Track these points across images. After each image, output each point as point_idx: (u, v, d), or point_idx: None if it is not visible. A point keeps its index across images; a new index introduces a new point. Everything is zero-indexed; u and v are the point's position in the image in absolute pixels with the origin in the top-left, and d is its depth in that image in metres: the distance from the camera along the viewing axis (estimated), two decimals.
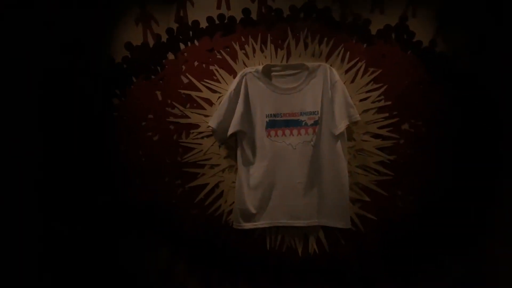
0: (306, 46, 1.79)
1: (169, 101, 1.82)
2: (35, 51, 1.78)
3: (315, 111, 1.76)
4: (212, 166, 1.82)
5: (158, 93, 1.82)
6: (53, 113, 1.84)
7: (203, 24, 1.80)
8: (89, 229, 1.86)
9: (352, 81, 1.79)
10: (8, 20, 1.72)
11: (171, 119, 1.82)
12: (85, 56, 1.84)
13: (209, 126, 1.77)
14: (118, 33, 1.83)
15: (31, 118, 1.81)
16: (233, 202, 1.80)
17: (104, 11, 1.82)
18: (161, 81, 1.82)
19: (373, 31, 1.80)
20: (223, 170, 1.81)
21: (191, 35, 1.81)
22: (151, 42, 1.82)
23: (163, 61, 1.82)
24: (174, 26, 1.81)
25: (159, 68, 1.82)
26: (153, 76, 1.83)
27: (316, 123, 1.76)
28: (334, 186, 1.74)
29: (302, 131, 1.76)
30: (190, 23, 1.80)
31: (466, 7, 1.79)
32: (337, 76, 1.74)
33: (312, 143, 1.76)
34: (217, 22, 1.80)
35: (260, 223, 1.77)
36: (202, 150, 1.81)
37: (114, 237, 1.86)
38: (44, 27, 1.79)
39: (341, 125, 1.71)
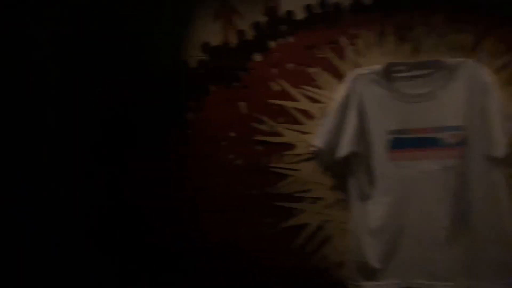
0: (441, 36, 1.40)
1: (255, 115, 1.52)
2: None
3: (459, 126, 1.33)
4: (314, 200, 1.46)
5: (242, 104, 1.54)
6: (110, 130, 1.61)
7: (300, 15, 1.50)
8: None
9: (510, 84, 1.35)
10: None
11: (259, 137, 1.51)
12: (151, 61, 1.60)
13: (312, 146, 1.43)
14: (192, 31, 1.57)
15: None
16: (346, 251, 1.42)
17: (173, 4, 1.57)
18: (245, 89, 1.54)
19: None
20: (329, 206, 1.45)
21: (284, 29, 1.52)
22: (233, 41, 1.56)
23: (248, 63, 1.54)
24: (263, 19, 1.53)
25: (243, 73, 1.54)
26: (235, 84, 1.55)
27: (462, 142, 1.32)
28: (492, 233, 1.28)
29: (442, 153, 1.33)
30: (283, 14, 1.51)
31: None
32: (488, 77, 1.32)
33: (456, 170, 1.32)
34: (318, 11, 1.49)
35: (386, 283, 1.34)
36: (299, 178, 1.47)
37: None
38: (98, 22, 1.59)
39: (503, 145, 1.27)
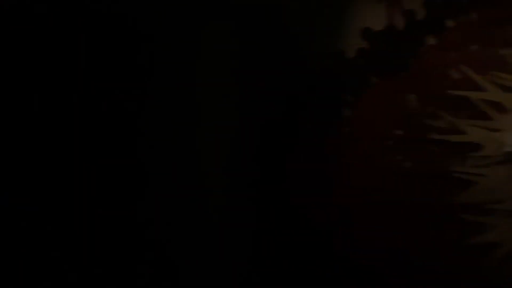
0: None
1: (429, 109, 1.33)
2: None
3: None
4: (510, 214, 1.22)
5: (412, 96, 1.36)
6: (267, 130, 1.60)
7: None
8: None
9: None
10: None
11: (434, 135, 1.32)
12: (303, 53, 1.54)
13: (507, 147, 1.20)
14: (350, 15, 1.49)
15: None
16: None
17: None
18: (416, 79, 1.37)
19: None
20: None
21: (466, 3, 1.32)
22: (400, 24, 1.42)
23: (420, 49, 1.38)
24: None
25: (412, 60, 1.38)
26: (403, 73, 1.40)
27: None
28: None
29: None
30: None
31: None
32: None
33: None
34: None
35: None
36: (488, 185, 1.24)
37: None
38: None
39: None
